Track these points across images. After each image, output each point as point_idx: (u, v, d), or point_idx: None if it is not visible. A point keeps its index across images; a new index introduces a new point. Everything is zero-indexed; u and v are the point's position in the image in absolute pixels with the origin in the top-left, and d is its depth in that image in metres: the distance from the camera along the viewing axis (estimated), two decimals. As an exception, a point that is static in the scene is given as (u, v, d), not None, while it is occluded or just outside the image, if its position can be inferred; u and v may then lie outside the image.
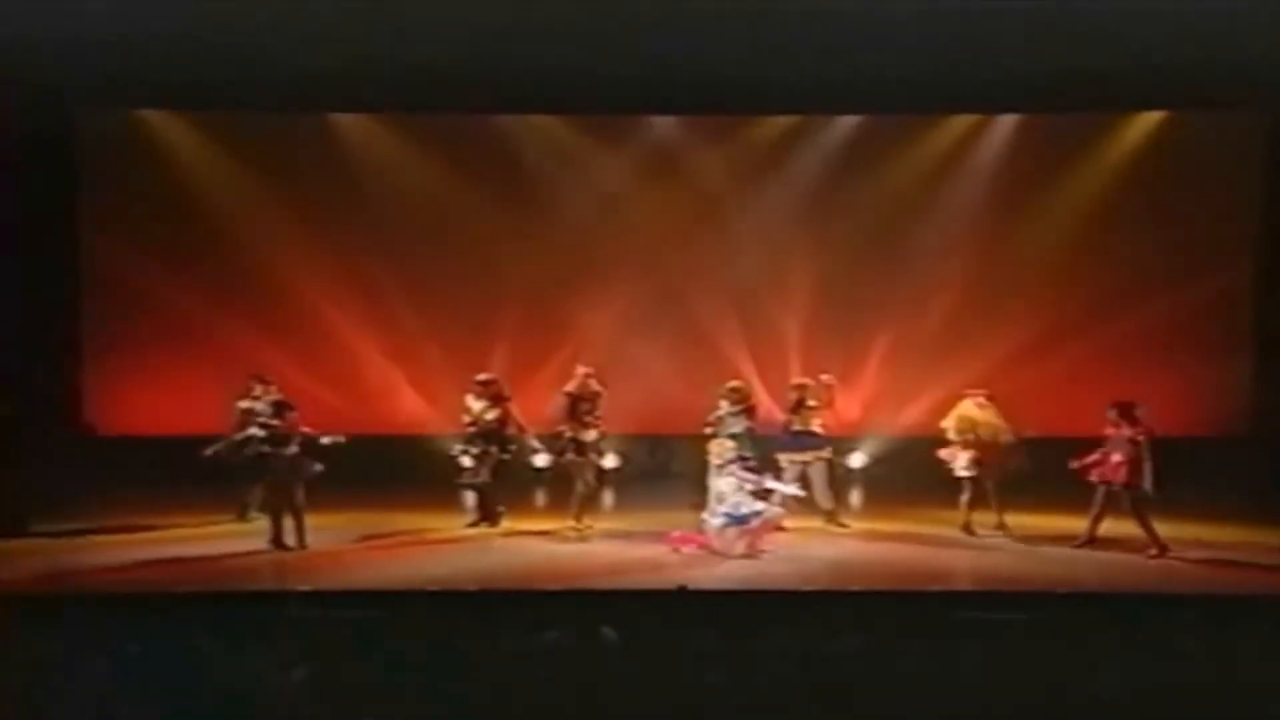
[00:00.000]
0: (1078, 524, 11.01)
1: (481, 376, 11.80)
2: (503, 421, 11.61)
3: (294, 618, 8.57)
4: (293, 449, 10.62)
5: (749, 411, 11.54)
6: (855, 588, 9.63)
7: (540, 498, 12.98)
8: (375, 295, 14.06)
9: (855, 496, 12.83)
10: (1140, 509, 10.62)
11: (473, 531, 11.50)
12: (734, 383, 11.78)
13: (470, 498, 12.03)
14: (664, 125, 14.18)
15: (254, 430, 10.90)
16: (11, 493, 11.58)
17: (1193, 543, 11.11)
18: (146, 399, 14.06)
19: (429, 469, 13.09)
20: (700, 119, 14.09)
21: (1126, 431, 10.60)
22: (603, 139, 14.16)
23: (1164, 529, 11.68)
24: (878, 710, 8.06)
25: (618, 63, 12.15)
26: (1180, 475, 12.80)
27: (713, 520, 10.61)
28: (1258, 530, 11.61)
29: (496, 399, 11.65)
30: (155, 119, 13.95)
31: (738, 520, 10.53)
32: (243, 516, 11.69)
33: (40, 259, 13.65)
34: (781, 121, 14.14)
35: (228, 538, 11.13)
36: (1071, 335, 13.72)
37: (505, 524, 11.62)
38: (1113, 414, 10.72)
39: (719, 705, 8.19)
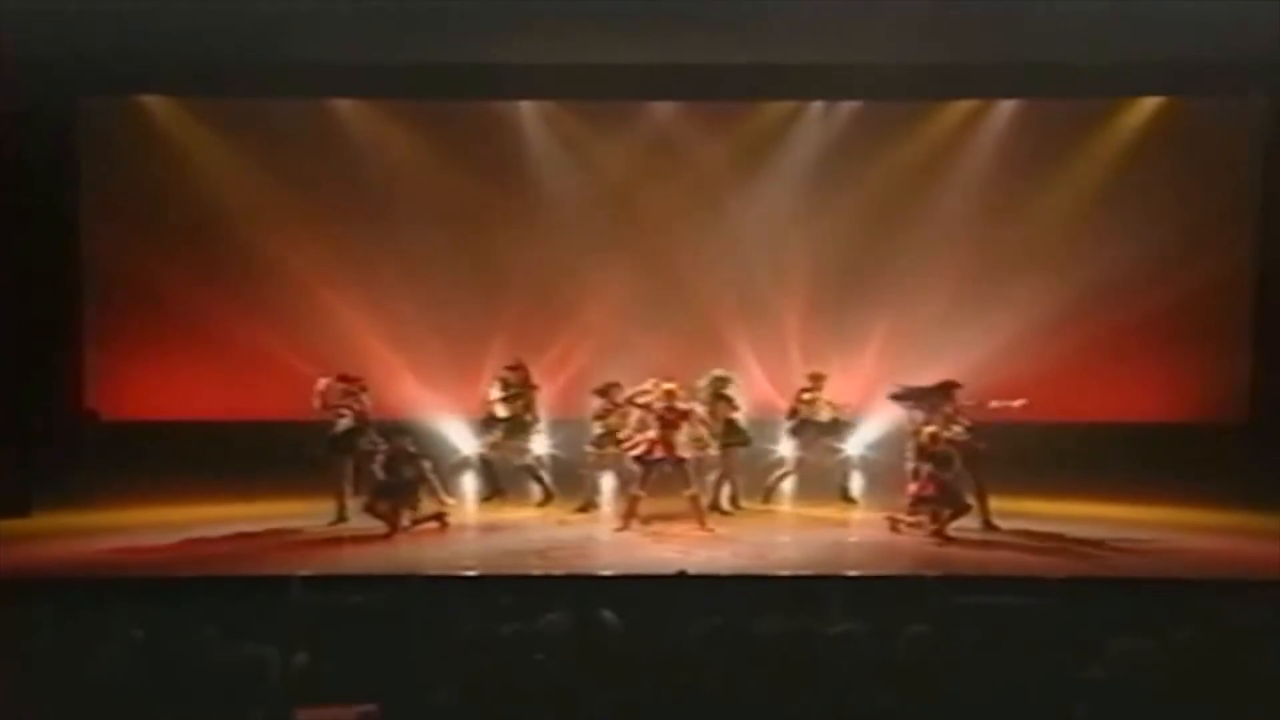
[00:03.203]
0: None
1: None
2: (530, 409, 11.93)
3: (296, 602, 8.62)
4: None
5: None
6: (853, 572, 9.69)
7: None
8: (376, 282, 14.08)
9: (855, 483, 12.83)
10: None
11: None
12: (668, 384, 11.09)
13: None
14: (664, 112, 14.18)
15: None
16: (16, 476, 11.65)
17: (1192, 527, 11.15)
18: (149, 384, 14.10)
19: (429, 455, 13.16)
20: (700, 105, 14.08)
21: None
22: (603, 125, 14.15)
23: (1162, 515, 11.76)
24: (875, 694, 8.11)
25: (618, 49, 12.17)
26: (1178, 461, 12.94)
27: None
28: (1256, 515, 11.64)
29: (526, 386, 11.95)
30: (156, 105, 13.96)
31: None
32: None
33: (43, 245, 13.70)
34: (782, 108, 14.13)
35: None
36: (1071, 321, 13.73)
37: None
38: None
39: (719, 690, 8.25)
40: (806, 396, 11.86)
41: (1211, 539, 10.79)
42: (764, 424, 12.10)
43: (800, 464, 12.05)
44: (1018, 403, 11.54)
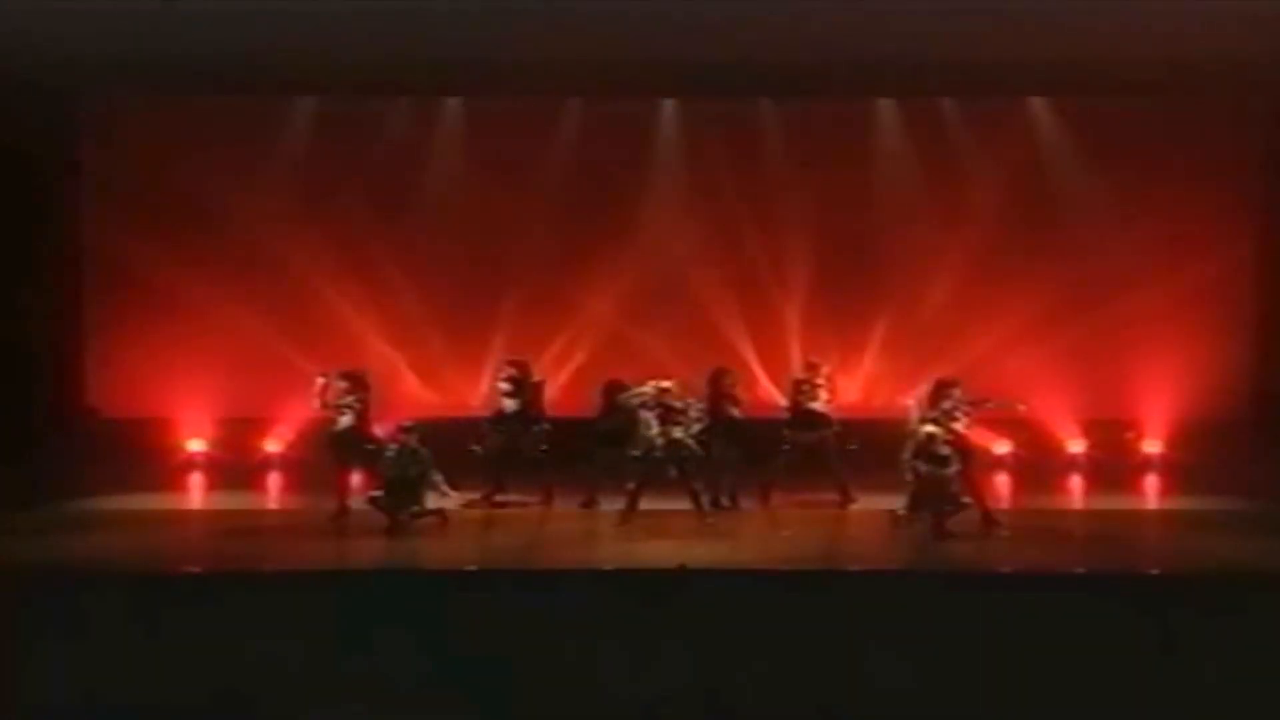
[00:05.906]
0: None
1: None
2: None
3: (298, 598, 8.64)
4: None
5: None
6: (853, 568, 9.70)
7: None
8: (378, 279, 14.08)
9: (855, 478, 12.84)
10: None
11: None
12: (665, 382, 11.14)
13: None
14: (666, 108, 14.19)
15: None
16: (15, 473, 11.67)
17: (1192, 523, 11.17)
18: (148, 382, 14.10)
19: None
20: (702, 103, 14.09)
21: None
22: (605, 122, 14.14)
23: (1163, 511, 11.77)
24: (874, 686, 8.14)
25: (619, 46, 12.18)
26: (1178, 457, 12.95)
27: None
28: (1255, 511, 11.64)
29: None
30: (157, 101, 13.95)
31: None
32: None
33: (42, 242, 13.71)
34: (784, 105, 14.13)
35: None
36: (1072, 316, 13.75)
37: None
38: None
39: (720, 683, 8.27)
40: (805, 388, 11.87)
41: (1212, 535, 10.77)
42: (764, 420, 12.08)
43: (799, 458, 12.03)
44: (1021, 407, 11.58)
